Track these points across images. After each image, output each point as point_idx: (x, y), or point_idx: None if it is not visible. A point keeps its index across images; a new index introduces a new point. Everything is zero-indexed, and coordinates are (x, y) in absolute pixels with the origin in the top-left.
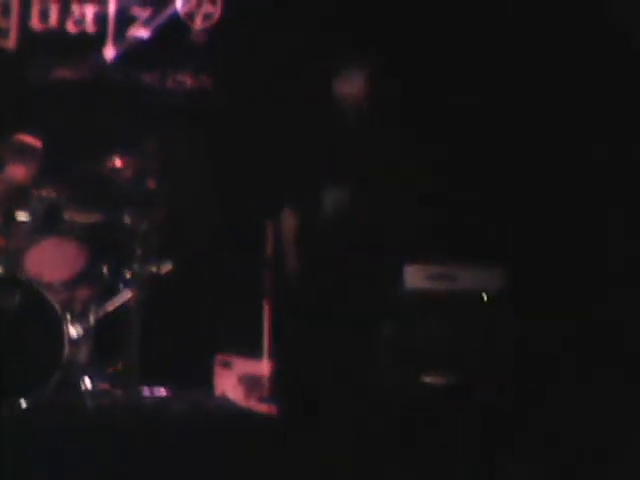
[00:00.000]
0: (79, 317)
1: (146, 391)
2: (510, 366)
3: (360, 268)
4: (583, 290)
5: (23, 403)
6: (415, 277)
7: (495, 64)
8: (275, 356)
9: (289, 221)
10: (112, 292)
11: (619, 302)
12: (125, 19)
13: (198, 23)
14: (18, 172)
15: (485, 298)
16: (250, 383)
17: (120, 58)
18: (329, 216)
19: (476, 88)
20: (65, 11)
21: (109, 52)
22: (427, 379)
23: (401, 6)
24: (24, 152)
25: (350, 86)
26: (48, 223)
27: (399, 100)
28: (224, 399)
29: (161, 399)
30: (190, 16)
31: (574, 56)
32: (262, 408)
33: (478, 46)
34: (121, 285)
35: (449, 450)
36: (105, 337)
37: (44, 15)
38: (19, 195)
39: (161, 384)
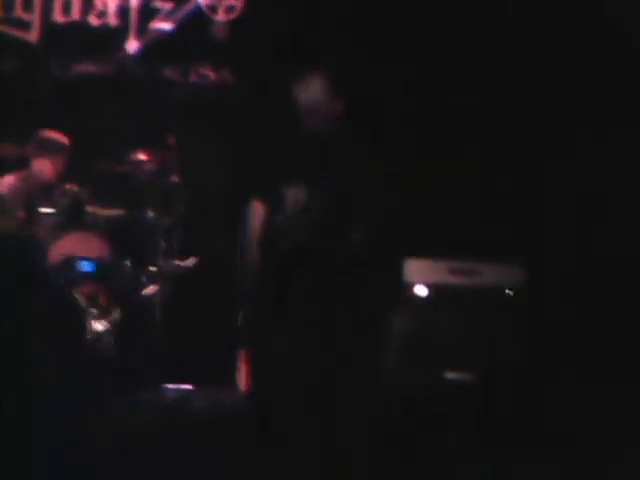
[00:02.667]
0: (103, 312)
1: (169, 387)
2: (531, 362)
3: (377, 263)
4: (607, 287)
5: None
6: (437, 272)
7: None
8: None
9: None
10: (136, 287)
11: None
12: (147, 12)
13: (220, 16)
14: (44, 167)
15: (509, 294)
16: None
17: (142, 51)
18: (289, 214)
19: (486, 84)
20: (88, 4)
21: (131, 45)
22: (448, 375)
23: None
24: (50, 148)
25: (306, 90)
26: (72, 217)
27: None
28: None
29: (184, 395)
30: (212, 9)
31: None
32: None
33: (475, 45)
34: (145, 280)
35: (467, 447)
36: (129, 332)
37: (67, 8)
38: (44, 190)
39: (184, 380)
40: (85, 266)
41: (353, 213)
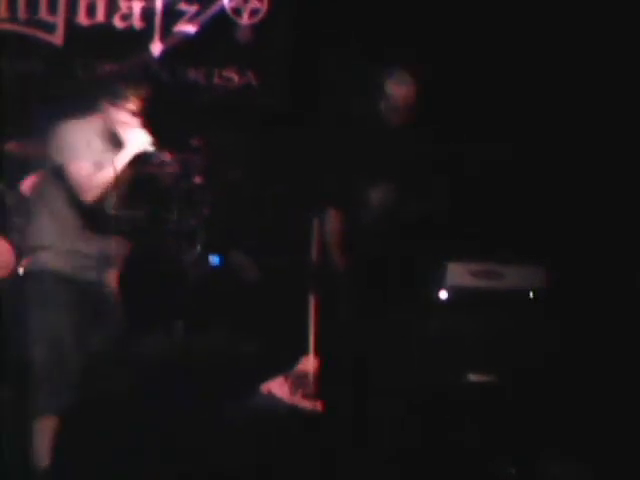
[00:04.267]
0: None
1: None
2: (555, 365)
3: (404, 266)
4: (631, 290)
5: None
6: (459, 274)
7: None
8: (321, 353)
9: (333, 220)
10: None
11: None
12: (172, 14)
13: (245, 19)
14: None
15: (531, 296)
16: (296, 380)
17: (166, 54)
18: (373, 214)
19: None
20: (112, 6)
21: (156, 48)
22: (472, 378)
23: None
24: None
25: (399, 86)
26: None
27: (445, 100)
28: (270, 396)
29: None
30: (237, 12)
31: None
32: (308, 405)
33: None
34: None
35: (492, 448)
36: None
37: (91, 10)
38: None
39: None
40: None
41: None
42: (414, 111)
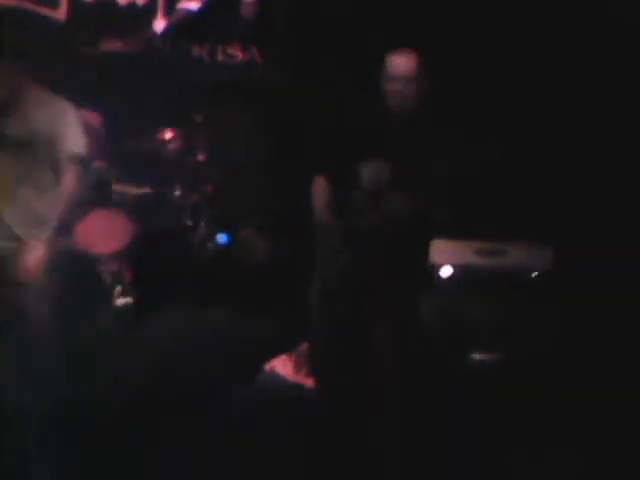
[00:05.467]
0: (128, 289)
1: None
2: (556, 345)
3: (400, 243)
4: (634, 272)
5: None
6: (462, 253)
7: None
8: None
9: (318, 184)
10: None
11: None
12: None
13: None
14: None
15: (535, 275)
16: (299, 358)
17: (170, 30)
18: (366, 190)
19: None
20: None
21: (159, 24)
22: (475, 356)
23: None
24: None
25: (401, 59)
26: (98, 195)
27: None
28: (273, 374)
29: None
30: None
31: None
32: (311, 383)
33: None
34: None
35: (497, 430)
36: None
37: None
38: None
39: None
40: None
41: (435, 193)
42: (416, 89)
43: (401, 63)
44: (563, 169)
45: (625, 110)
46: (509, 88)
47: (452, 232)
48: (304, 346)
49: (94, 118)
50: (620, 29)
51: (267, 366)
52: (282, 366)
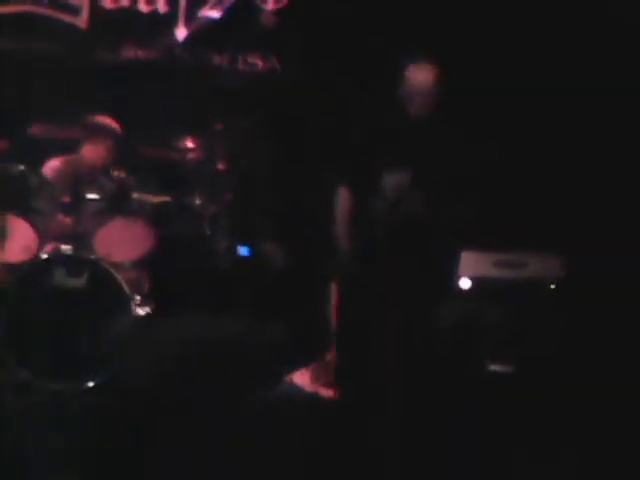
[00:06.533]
0: (147, 298)
1: None
2: (574, 355)
3: (421, 254)
4: None
5: (90, 383)
6: (481, 264)
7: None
8: (337, 341)
9: (344, 200)
10: None
11: None
12: None
13: (269, 4)
14: (95, 153)
15: (552, 287)
16: (317, 368)
17: (191, 39)
18: (389, 199)
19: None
20: None
21: (180, 32)
22: (493, 367)
23: None
24: (101, 133)
25: (420, 74)
26: (117, 203)
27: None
28: (291, 384)
29: None
30: None
31: None
32: (328, 393)
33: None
34: None
35: (508, 438)
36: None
37: None
38: (91, 176)
39: None
40: None
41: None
42: (434, 98)
43: (421, 78)
44: (583, 181)
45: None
46: (527, 91)
47: (471, 244)
48: (326, 356)
49: (114, 124)
50: (620, 29)
51: (289, 377)
52: (299, 376)
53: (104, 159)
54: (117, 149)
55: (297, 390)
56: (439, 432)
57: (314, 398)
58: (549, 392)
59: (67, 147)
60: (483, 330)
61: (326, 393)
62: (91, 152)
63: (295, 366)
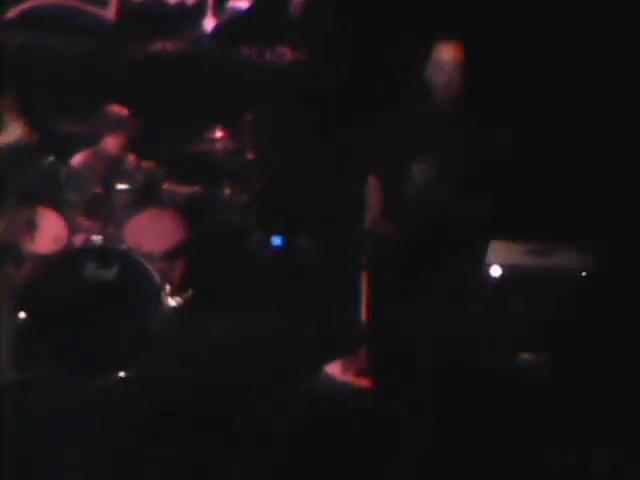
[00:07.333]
0: (178, 288)
1: None
2: (604, 345)
3: (450, 242)
4: None
5: (120, 374)
6: (512, 253)
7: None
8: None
9: (374, 191)
10: None
11: None
12: None
13: None
14: (114, 144)
15: (583, 275)
16: (350, 359)
17: (219, 30)
18: (418, 187)
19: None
20: None
21: (208, 24)
22: (523, 357)
23: None
24: (119, 123)
25: (447, 51)
26: (147, 194)
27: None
28: (322, 374)
29: None
30: None
31: None
32: (360, 382)
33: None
34: None
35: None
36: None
37: None
38: (114, 166)
39: None
40: None
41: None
42: (459, 78)
43: (448, 55)
44: (615, 170)
45: None
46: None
47: (502, 233)
48: (360, 349)
49: (125, 112)
50: None
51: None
52: (333, 367)
53: (122, 149)
54: (130, 137)
55: (329, 379)
56: (469, 422)
57: (346, 387)
58: (580, 381)
59: (89, 140)
60: (513, 319)
61: (358, 382)
62: (112, 143)
63: (328, 358)
